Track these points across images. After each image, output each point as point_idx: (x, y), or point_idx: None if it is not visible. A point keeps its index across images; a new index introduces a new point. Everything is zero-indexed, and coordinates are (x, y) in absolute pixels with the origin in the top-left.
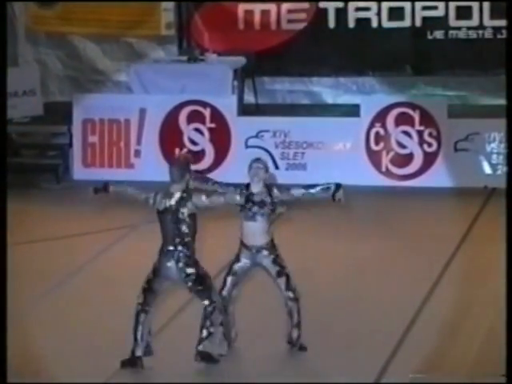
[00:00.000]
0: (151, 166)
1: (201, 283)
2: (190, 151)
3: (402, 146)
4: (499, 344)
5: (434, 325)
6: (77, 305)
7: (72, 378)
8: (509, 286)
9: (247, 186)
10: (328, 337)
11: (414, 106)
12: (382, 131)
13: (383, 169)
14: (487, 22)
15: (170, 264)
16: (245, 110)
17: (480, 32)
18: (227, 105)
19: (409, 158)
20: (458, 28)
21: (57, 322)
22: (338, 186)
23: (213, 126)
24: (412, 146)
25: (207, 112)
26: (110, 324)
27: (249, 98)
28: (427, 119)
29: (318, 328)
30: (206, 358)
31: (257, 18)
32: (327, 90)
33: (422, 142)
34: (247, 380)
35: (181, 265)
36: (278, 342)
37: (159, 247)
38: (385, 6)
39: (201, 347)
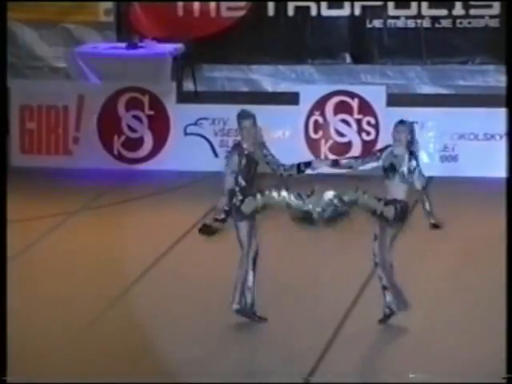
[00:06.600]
0: (90, 152)
1: None
2: (128, 138)
3: (341, 135)
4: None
5: None
6: (12, 292)
7: None
8: (509, 286)
9: None
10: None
11: (352, 95)
12: (320, 119)
13: (322, 157)
14: (425, 11)
15: None
16: (184, 97)
17: (418, 21)
18: (166, 92)
19: (347, 146)
20: (397, 17)
21: None
22: None
23: (151, 113)
24: (350, 134)
25: (146, 99)
26: (42, 314)
27: (188, 85)
28: (366, 108)
29: None
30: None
31: (196, 5)
32: (266, 77)
33: (360, 130)
34: None
35: None
36: None
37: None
38: None
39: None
